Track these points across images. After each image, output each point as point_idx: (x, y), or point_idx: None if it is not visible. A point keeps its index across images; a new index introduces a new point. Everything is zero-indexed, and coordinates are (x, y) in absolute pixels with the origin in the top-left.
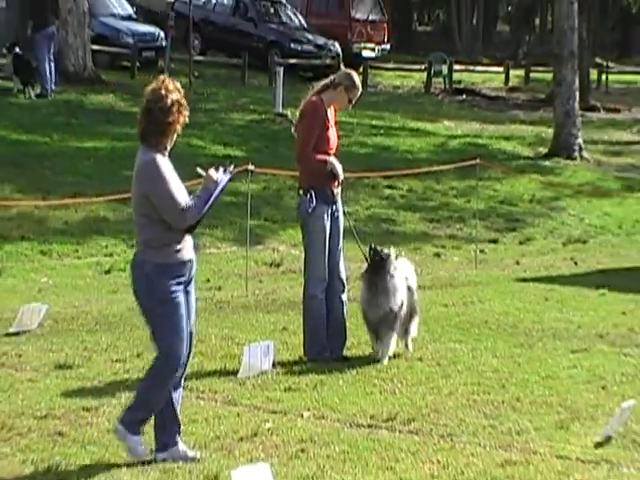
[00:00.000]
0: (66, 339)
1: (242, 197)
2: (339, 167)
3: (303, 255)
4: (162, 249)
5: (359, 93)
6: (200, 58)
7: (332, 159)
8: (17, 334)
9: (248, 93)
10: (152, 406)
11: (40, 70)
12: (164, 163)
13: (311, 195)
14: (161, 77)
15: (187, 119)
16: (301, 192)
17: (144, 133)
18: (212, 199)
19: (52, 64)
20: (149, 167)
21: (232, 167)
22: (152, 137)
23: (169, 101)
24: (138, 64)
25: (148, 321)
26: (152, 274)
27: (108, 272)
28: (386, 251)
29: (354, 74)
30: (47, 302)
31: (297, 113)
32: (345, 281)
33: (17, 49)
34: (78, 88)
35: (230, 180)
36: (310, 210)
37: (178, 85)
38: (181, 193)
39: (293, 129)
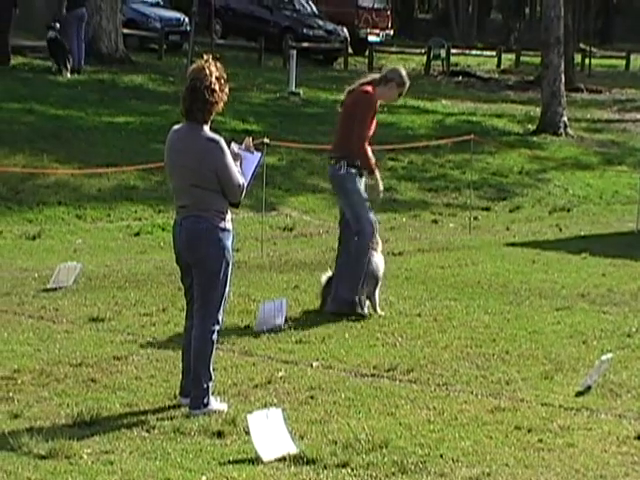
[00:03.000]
0: (98, 295)
1: (258, 168)
2: (380, 184)
3: (343, 217)
4: (226, 217)
5: (407, 87)
6: (221, 42)
7: (377, 175)
8: (54, 290)
9: (264, 74)
10: (208, 364)
11: (70, 48)
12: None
13: (342, 163)
14: (205, 57)
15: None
16: (332, 161)
17: (191, 109)
18: (250, 176)
19: (81, 43)
20: (219, 145)
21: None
22: (198, 113)
23: (213, 79)
24: (165, 47)
25: (209, 281)
26: (223, 238)
27: (137, 235)
28: None
29: (402, 70)
30: (81, 261)
31: (346, 94)
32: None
33: (52, 32)
34: (110, 68)
35: (262, 157)
36: (343, 171)
37: (220, 66)
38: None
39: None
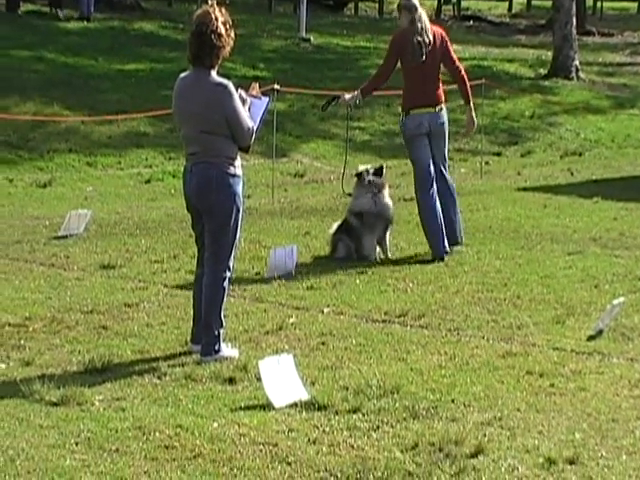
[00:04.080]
0: (109, 242)
1: (269, 114)
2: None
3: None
4: (236, 163)
5: (417, 12)
6: None
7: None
8: (65, 237)
9: (274, 20)
10: (219, 311)
11: None
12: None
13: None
14: (210, 2)
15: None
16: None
17: (198, 54)
18: (259, 121)
19: None
20: (227, 89)
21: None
22: (206, 58)
23: (219, 24)
24: None
25: (220, 228)
26: (233, 184)
27: (148, 182)
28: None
29: None
30: (92, 209)
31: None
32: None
33: None
34: (121, 15)
35: (269, 102)
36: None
37: (225, 11)
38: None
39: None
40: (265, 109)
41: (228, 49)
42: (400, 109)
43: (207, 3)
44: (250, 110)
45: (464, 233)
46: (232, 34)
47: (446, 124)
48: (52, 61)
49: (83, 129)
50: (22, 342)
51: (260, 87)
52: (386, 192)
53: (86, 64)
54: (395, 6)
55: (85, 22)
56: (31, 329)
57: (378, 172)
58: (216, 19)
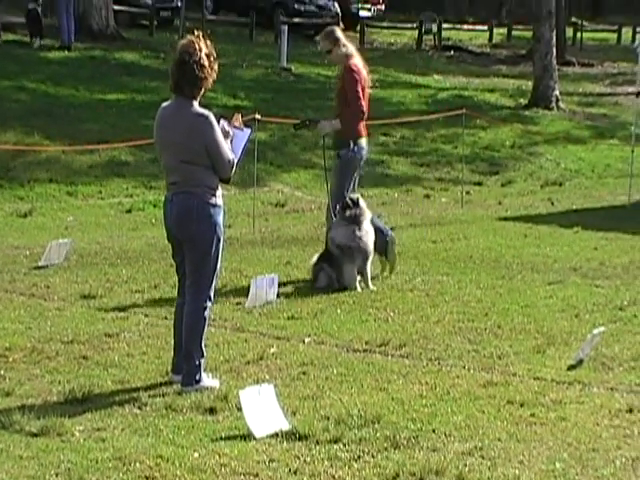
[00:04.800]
0: (90, 272)
1: (250, 143)
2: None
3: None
4: (217, 193)
5: (318, 45)
6: (212, 17)
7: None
8: (45, 267)
9: (255, 49)
10: (200, 341)
11: (59, 24)
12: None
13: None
14: (196, 33)
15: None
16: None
17: (179, 84)
18: (240, 152)
19: (70, 19)
20: (208, 120)
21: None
22: (188, 88)
23: (203, 55)
24: (156, 23)
25: (201, 258)
26: (214, 215)
27: (129, 211)
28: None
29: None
30: (73, 238)
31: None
32: None
33: (32, 4)
34: (101, 45)
35: (251, 133)
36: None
37: (209, 43)
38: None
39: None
40: (247, 140)
41: (210, 81)
42: (345, 137)
43: (193, 33)
44: (232, 141)
45: (445, 263)
46: (215, 66)
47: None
48: (33, 90)
49: (64, 158)
50: (2, 372)
51: (242, 117)
52: (366, 223)
53: (67, 94)
54: (376, 36)
55: (66, 51)
56: (11, 359)
57: (355, 203)
58: (200, 50)
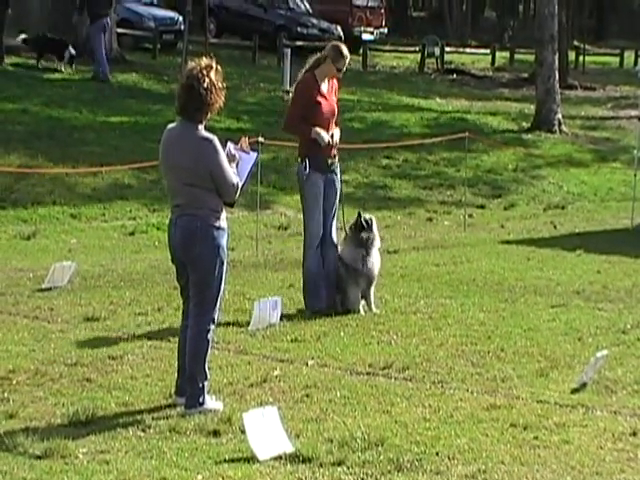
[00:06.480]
0: (93, 294)
1: (254, 167)
2: (324, 135)
3: (302, 216)
4: (221, 216)
5: (346, 61)
6: (215, 40)
7: (316, 129)
8: (49, 289)
9: (258, 72)
10: (203, 363)
11: (97, 57)
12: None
13: (306, 163)
14: (203, 58)
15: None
16: (299, 160)
17: (186, 108)
18: (246, 176)
19: (104, 53)
20: (213, 145)
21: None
22: (193, 112)
23: (211, 81)
24: (159, 46)
25: (204, 280)
26: (218, 237)
27: (132, 234)
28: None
29: (340, 45)
30: (76, 261)
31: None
32: (335, 240)
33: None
34: None
35: (257, 156)
36: (305, 177)
37: (220, 69)
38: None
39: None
40: (253, 164)
41: (217, 106)
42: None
43: (206, 57)
44: (238, 165)
45: (448, 286)
46: (223, 92)
47: (298, 180)
48: (36, 113)
49: (67, 181)
50: (6, 395)
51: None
52: (375, 249)
53: (70, 116)
54: (378, 59)
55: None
56: (15, 382)
57: (369, 226)
58: (208, 76)
